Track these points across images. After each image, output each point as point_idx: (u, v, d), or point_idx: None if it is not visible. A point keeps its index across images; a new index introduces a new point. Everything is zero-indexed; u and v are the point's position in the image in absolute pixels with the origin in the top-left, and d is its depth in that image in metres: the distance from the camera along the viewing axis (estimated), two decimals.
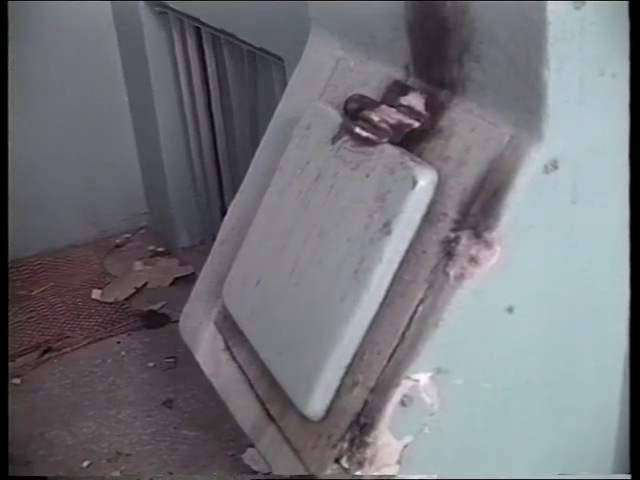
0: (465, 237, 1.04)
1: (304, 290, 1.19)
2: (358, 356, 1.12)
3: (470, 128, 1.09)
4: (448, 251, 1.05)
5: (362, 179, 1.15)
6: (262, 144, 1.54)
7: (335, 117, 1.27)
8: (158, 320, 3.21)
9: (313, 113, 1.32)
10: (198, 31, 3.02)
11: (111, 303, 3.32)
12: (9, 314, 3.28)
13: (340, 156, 1.21)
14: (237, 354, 1.38)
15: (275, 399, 1.25)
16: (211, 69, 3.04)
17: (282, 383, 1.20)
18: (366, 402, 1.09)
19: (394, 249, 1.07)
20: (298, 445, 1.16)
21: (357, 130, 1.18)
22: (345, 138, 1.22)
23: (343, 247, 1.14)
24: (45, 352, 3.05)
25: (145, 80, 3.33)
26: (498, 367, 1.12)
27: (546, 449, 1.21)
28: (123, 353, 3.02)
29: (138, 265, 3.59)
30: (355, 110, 1.21)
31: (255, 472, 2.36)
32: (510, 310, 1.08)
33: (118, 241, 3.82)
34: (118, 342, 3.09)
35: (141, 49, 3.28)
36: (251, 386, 1.32)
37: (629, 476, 1.22)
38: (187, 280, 3.30)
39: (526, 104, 1.01)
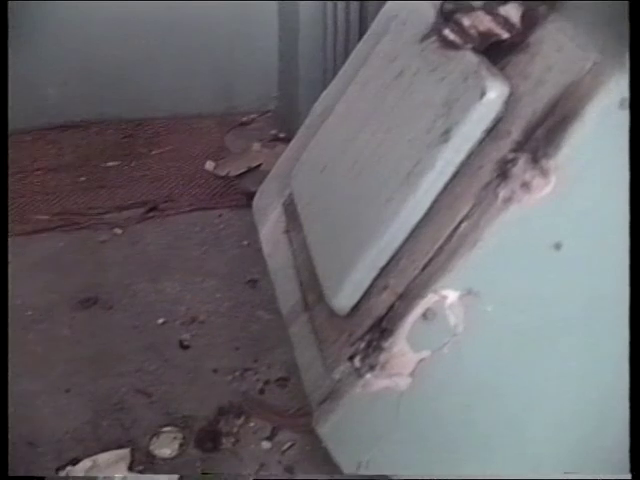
0: (522, 160, 0.99)
1: (360, 184, 1.17)
2: (394, 261, 1.10)
3: (557, 48, 1.02)
4: (503, 171, 1.00)
5: (437, 82, 1.10)
6: (365, 36, 1.50)
7: (430, 16, 1.21)
8: None
9: (412, 9, 1.27)
10: None
11: (222, 177, 3.38)
12: (125, 168, 3.40)
13: (424, 56, 1.17)
14: (294, 239, 1.38)
15: (313, 288, 1.25)
16: None
17: (319, 273, 1.19)
18: (391, 307, 1.07)
19: (449, 158, 1.03)
20: (322, 337, 1.17)
21: (445, 32, 1.13)
22: (433, 38, 1.17)
23: (403, 148, 1.11)
24: (150, 210, 3.15)
25: None
26: (534, 302, 1.07)
27: (570, 408, 1.16)
28: (222, 226, 3.08)
29: (257, 146, 3.62)
30: (450, 12, 1.15)
31: None
32: (557, 247, 1.03)
33: (244, 119, 3.85)
34: (219, 215, 3.15)
35: None
36: (297, 272, 1.32)
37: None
38: None
39: (617, 29, 0.93)
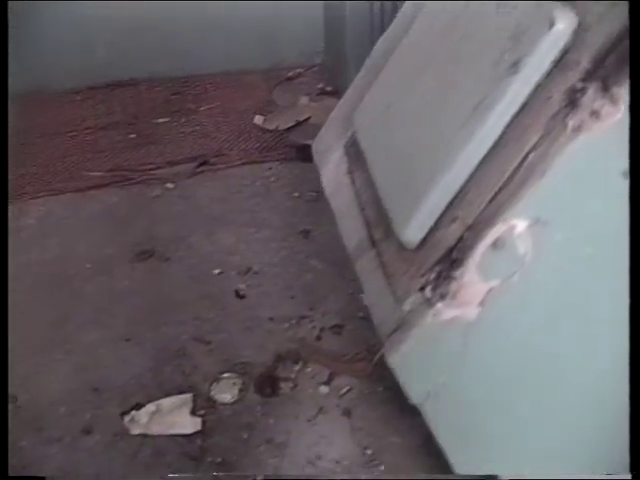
0: (592, 89, 0.99)
1: (427, 120, 1.19)
2: (462, 193, 1.12)
3: None
4: (572, 100, 1.01)
5: (503, 16, 1.11)
6: None
7: None
8: (312, 155, 3.25)
9: None
10: None
11: (270, 131, 3.39)
12: (175, 125, 3.43)
13: None
14: (357, 178, 1.40)
15: (380, 225, 1.27)
16: None
17: (387, 208, 1.21)
18: (460, 238, 1.09)
19: (518, 90, 1.04)
20: (390, 271, 1.19)
21: None
22: None
23: (470, 82, 1.12)
24: (201, 165, 3.19)
25: None
26: (605, 233, 1.09)
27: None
28: (272, 179, 3.11)
29: (304, 100, 3.63)
30: None
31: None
32: (625, 175, 1.04)
33: (290, 74, 3.86)
34: (270, 168, 3.17)
35: None
36: (362, 210, 1.35)
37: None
38: None
39: None
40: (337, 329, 2.38)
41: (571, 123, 1.00)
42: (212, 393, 2.18)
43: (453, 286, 1.10)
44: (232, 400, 2.16)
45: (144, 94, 3.72)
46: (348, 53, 3.59)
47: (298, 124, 3.45)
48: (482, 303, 1.10)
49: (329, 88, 3.71)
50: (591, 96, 0.98)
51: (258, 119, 3.45)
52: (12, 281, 2.45)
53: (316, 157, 1.61)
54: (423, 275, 1.13)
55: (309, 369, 2.26)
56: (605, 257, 1.11)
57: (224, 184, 3.08)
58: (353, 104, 1.53)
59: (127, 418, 2.12)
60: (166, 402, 2.11)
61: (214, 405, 2.16)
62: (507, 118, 1.06)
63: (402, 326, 1.16)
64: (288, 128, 3.42)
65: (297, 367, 2.25)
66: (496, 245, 1.06)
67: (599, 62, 1.00)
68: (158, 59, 3.80)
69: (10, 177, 3.12)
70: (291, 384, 2.21)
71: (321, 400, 2.17)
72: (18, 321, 2.36)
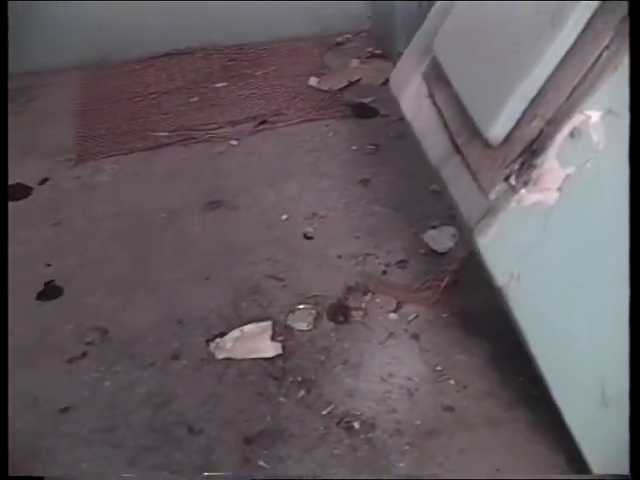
0: None
1: (506, 33, 1.33)
2: (542, 92, 1.26)
3: None
4: None
5: None
6: None
7: None
8: (367, 111, 3.42)
9: None
10: None
11: (325, 91, 3.55)
12: (233, 88, 3.60)
13: None
14: (438, 99, 1.55)
15: (463, 132, 1.43)
16: None
17: (472, 113, 1.36)
18: (541, 131, 1.24)
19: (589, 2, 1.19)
20: (476, 168, 1.34)
21: None
22: None
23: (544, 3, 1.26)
24: (261, 123, 3.35)
25: None
26: None
27: None
28: (330, 134, 3.27)
29: (355, 62, 3.78)
30: None
31: (433, 251, 2.57)
32: None
33: (339, 40, 4.01)
34: (327, 125, 3.33)
35: None
36: (445, 125, 1.50)
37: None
38: None
39: None
40: (402, 264, 2.54)
41: None
42: (289, 322, 2.34)
43: (535, 173, 1.25)
44: (308, 327, 2.33)
45: (201, 62, 3.89)
46: (396, 18, 3.72)
47: (350, 84, 3.60)
48: (560, 189, 1.25)
49: (378, 51, 3.85)
50: None
51: (312, 80, 3.60)
52: (92, 231, 2.66)
53: (394, 89, 1.76)
54: (507, 166, 1.28)
55: (378, 299, 2.41)
56: None
57: (284, 140, 3.24)
58: (428, 37, 1.67)
59: (212, 345, 2.29)
60: (249, 328, 2.28)
61: (291, 332, 2.32)
62: (582, 22, 1.20)
63: (489, 213, 1.31)
64: (341, 88, 3.57)
65: (366, 298, 2.41)
66: (573, 135, 1.21)
67: None
68: (212, 29, 3.96)
69: (81, 139, 3.32)
70: (362, 313, 2.36)
71: (390, 326, 2.32)
72: (102, 265, 2.56)
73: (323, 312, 2.38)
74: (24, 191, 3.05)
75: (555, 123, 1.22)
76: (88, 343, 2.36)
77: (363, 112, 3.42)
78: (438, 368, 2.18)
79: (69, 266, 2.65)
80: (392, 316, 2.35)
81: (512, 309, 1.40)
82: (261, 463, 1.97)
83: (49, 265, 2.66)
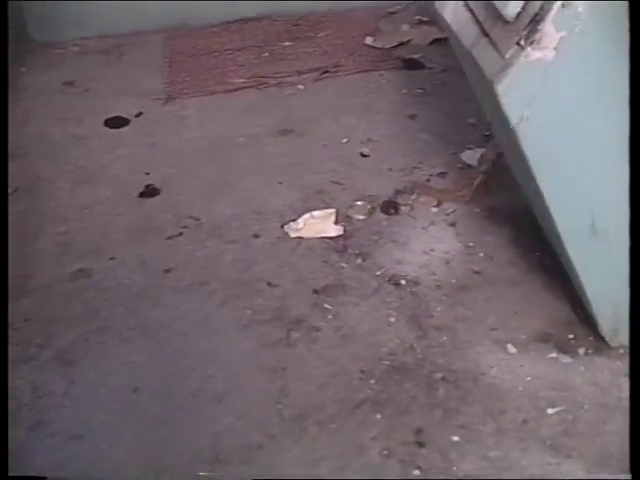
0: None
1: None
2: None
3: None
4: None
5: None
6: None
7: None
8: (416, 64, 3.94)
9: None
10: None
11: (379, 48, 4.08)
12: (298, 46, 4.15)
13: None
14: (470, 4, 2.07)
15: (488, 19, 1.94)
16: None
17: (496, 3, 1.88)
18: (542, 6, 1.75)
19: None
20: (497, 40, 1.85)
21: None
22: None
23: None
24: (324, 72, 3.89)
25: None
26: None
27: None
28: (383, 81, 3.79)
29: (405, 27, 4.31)
30: None
31: (469, 165, 3.08)
32: None
33: (391, 10, 4.54)
34: (380, 74, 3.86)
35: None
36: (475, 20, 2.02)
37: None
38: (443, 42, 3.96)
39: None
40: (442, 175, 3.05)
41: None
42: (348, 213, 2.87)
43: (537, 35, 1.75)
44: (364, 217, 2.85)
45: (269, 26, 4.45)
46: None
47: (401, 44, 4.13)
48: (556, 48, 1.76)
49: (425, 18, 4.37)
50: None
51: (368, 40, 4.13)
52: (182, 150, 3.21)
53: (438, 7, 2.28)
54: (518, 34, 1.79)
55: (422, 199, 2.93)
56: None
57: (344, 86, 3.77)
58: None
59: (286, 227, 2.82)
60: (317, 213, 2.81)
61: (351, 220, 2.84)
62: None
63: (505, 67, 1.81)
64: (393, 47, 4.10)
65: (412, 197, 2.92)
66: (564, 5, 1.72)
67: None
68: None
69: (169, 84, 3.89)
70: (408, 207, 2.88)
71: (432, 217, 2.84)
72: (192, 173, 3.11)
73: (377, 207, 2.89)
74: (122, 121, 3.62)
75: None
76: (183, 227, 2.90)
77: (412, 65, 3.94)
78: (470, 244, 2.68)
79: (164, 174, 3.21)
80: (433, 210, 2.86)
81: (522, 146, 1.91)
82: (326, 306, 2.49)
83: (147, 174, 3.22)
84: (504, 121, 1.87)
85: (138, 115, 3.64)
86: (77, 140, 3.45)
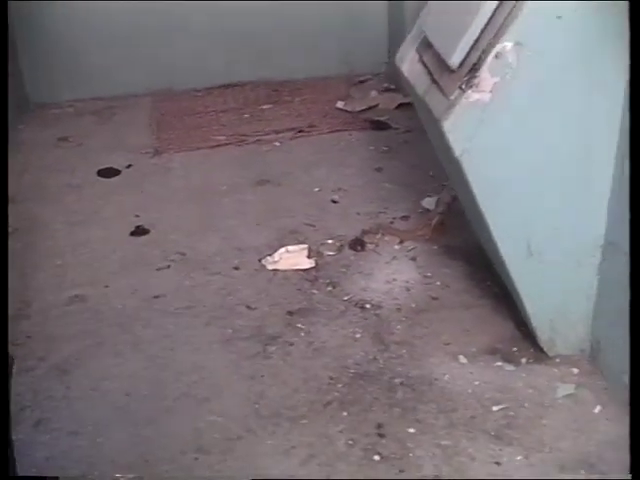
0: None
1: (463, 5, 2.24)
2: (480, 35, 2.16)
3: None
4: None
5: None
6: None
7: None
8: (382, 125, 4.34)
9: None
10: None
11: (350, 111, 4.49)
12: (276, 109, 4.55)
13: None
14: (424, 59, 2.45)
15: (437, 70, 2.32)
16: None
17: (442, 53, 2.25)
18: (480, 57, 2.13)
19: None
20: (444, 86, 2.22)
21: None
22: None
23: None
24: (299, 132, 4.27)
25: None
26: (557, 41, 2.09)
27: None
28: (353, 140, 4.18)
29: (373, 93, 4.73)
30: None
31: (428, 210, 3.44)
32: (559, 18, 2.08)
33: (361, 79, 4.98)
34: (350, 134, 4.25)
35: None
36: (428, 72, 2.40)
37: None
38: (407, 107, 4.37)
39: None
40: (404, 218, 3.40)
41: None
42: (320, 249, 3.20)
43: (476, 81, 2.12)
44: (334, 253, 3.18)
45: (249, 91, 4.86)
46: None
47: (370, 108, 4.54)
48: (491, 91, 2.13)
49: (392, 86, 4.80)
50: None
51: (340, 104, 4.54)
52: (169, 196, 3.54)
53: (398, 61, 2.66)
54: (461, 79, 2.16)
55: (386, 238, 3.26)
56: (559, 65, 2.13)
57: (317, 143, 4.15)
58: (419, 28, 2.60)
59: (263, 260, 3.15)
60: (292, 247, 3.14)
61: (322, 255, 3.17)
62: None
63: (449, 107, 2.18)
64: (362, 110, 4.50)
65: (377, 236, 3.26)
66: (497, 56, 2.09)
67: None
68: (259, 67, 4.95)
69: (156, 140, 4.25)
70: (374, 245, 3.22)
71: (395, 253, 3.17)
72: (178, 216, 3.44)
73: (345, 244, 3.22)
74: (113, 171, 3.96)
75: (487, 51, 2.11)
76: (171, 260, 3.21)
77: (379, 126, 4.34)
78: (428, 275, 3.01)
79: (153, 217, 3.53)
80: (396, 247, 3.20)
81: (466, 176, 2.26)
82: (299, 325, 2.79)
83: (137, 216, 3.54)
84: (452, 156, 2.22)
85: (128, 167, 3.98)
86: (71, 188, 3.77)
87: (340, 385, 2.48)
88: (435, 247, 3.17)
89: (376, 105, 4.53)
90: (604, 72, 2.12)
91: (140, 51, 4.71)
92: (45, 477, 2.21)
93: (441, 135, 2.23)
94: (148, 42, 4.74)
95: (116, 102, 4.68)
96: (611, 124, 2.17)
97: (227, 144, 4.16)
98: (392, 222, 3.35)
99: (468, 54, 2.16)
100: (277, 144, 4.13)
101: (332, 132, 4.24)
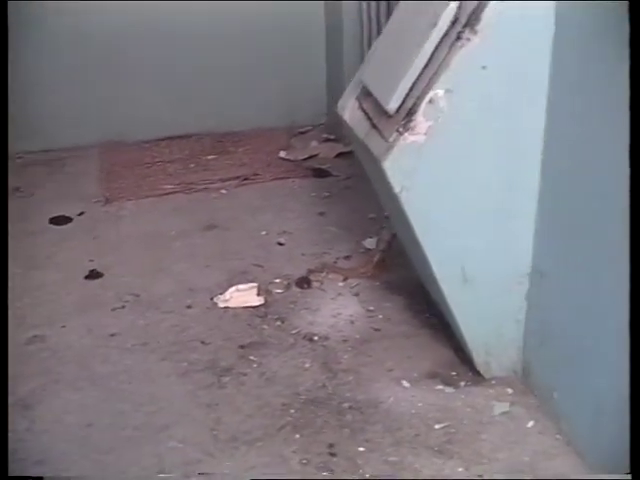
0: (466, 30, 2.29)
1: (397, 51, 2.48)
2: (415, 83, 2.40)
3: None
4: (459, 37, 2.31)
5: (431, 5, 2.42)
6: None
7: None
8: (323, 173, 4.57)
9: None
10: None
11: (292, 160, 4.71)
12: (221, 159, 4.75)
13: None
14: (364, 107, 2.68)
15: (376, 116, 2.54)
16: None
17: (380, 100, 2.49)
18: (415, 103, 2.37)
19: (436, 35, 2.34)
20: (383, 130, 2.44)
21: None
22: None
23: (416, 34, 2.43)
24: (244, 180, 4.48)
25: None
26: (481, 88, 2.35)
27: None
28: (296, 187, 4.39)
29: (314, 143, 4.97)
30: None
31: (369, 249, 3.65)
32: (484, 68, 2.33)
33: (302, 130, 5.22)
34: (293, 181, 4.46)
35: None
36: (368, 118, 2.62)
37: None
38: (347, 155, 4.63)
39: None
40: (347, 257, 3.60)
41: (459, 44, 2.29)
42: (268, 288, 3.38)
43: (412, 124, 2.35)
44: (282, 291, 3.36)
45: (195, 143, 5.06)
46: None
47: (311, 157, 4.77)
48: (426, 133, 2.37)
49: (332, 137, 5.05)
50: (466, 34, 2.29)
51: (282, 153, 4.77)
52: (120, 242, 3.70)
53: (340, 110, 2.88)
54: (398, 123, 2.40)
55: (330, 276, 3.46)
56: (484, 108, 2.38)
57: (261, 191, 4.35)
58: (359, 74, 2.84)
59: (215, 299, 3.31)
60: (241, 287, 3.31)
61: (271, 293, 3.35)
62: (433, 46, 2.36)
63: (388, 149, 2.41)
64: (304, 159, 4.73)
65: (322, 275, 3.46)
66: (430, 102, 2.33)
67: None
68: (204, 119, 5.16)
69: (106, 189, 4.41)
70: (319, 283, 3.41)
71: (339, 289, 3.37)
72: (130, 260, 3.60)
73: (292, 283, 3.41)
74: (65, 219, 4.09)
75: (422, 97, 2.35)
76: (125, 301, 3.35)
77: (320, 174, 4.57)
78: (371, 309, 3.21)
79: (106, 261, 3.67)
80: (340, 284, 3.40)
81: (405, 212, 2.48)
82: (251, 357, 2.96)
83: (91, 260, 3.68)
84: (391, 194, 2.44)
85: (80, 214, 4.12)
86: (25, 235, 3.89)
87: (292, 410, 2.64)
88: (377, 283, 3.37)
89: (317, 154, 4.76)
90: (523, 117, 2.37)
91: (88, 104, 4.88)
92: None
93: (381, 174, 2.45)
94: (96, 95, 4.92)
95: (66, 153, 4.82)
96: (531, 164, 2.43)
97: (175, 192, 4.33)
98: (336, 261, 3.55)
99: (404, 101, 2.39)
100: (224, 192, 4.31)
101: (276, 180, 4.44)
